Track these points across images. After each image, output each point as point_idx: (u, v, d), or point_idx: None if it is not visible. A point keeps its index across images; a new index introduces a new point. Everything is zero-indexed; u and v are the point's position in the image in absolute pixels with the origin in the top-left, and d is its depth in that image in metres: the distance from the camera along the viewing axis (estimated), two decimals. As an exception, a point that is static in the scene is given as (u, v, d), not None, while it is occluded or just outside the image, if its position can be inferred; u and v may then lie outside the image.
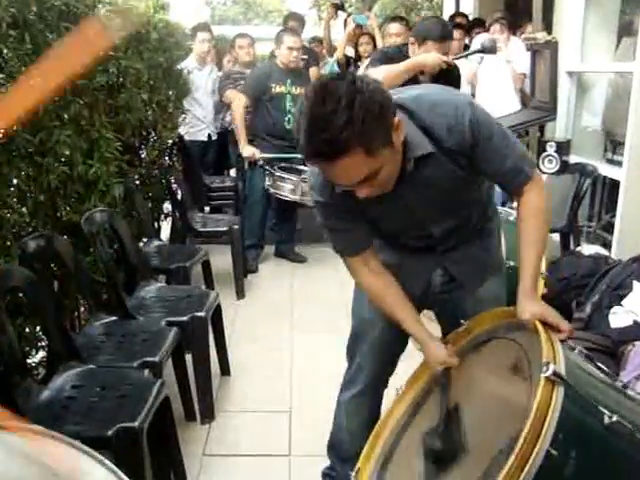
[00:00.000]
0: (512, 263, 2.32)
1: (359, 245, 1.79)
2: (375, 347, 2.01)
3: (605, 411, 1.24)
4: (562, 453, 1.17)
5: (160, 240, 4.00)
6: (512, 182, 1.66)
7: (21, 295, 2.14)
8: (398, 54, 3.18)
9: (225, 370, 3.15)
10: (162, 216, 4.58)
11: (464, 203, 1.79)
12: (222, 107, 5.35)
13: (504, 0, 7.08)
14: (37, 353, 2.37)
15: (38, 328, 2.29)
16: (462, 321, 1.76)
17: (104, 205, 2.80)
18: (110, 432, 1.79)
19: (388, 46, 4.00)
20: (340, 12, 6.24)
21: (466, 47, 5.05)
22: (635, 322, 2.78)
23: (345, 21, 5.96)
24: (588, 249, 3.69)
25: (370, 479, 1.67)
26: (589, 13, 4.52)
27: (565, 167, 4.49)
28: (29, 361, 2.32)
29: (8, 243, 2.15)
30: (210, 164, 5.59)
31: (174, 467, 2.27)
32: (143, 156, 3.97)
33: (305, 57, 5.29)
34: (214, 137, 5.44)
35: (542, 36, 4.71)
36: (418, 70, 3.09)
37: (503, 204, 3.93)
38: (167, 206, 4.63)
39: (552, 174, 4.48)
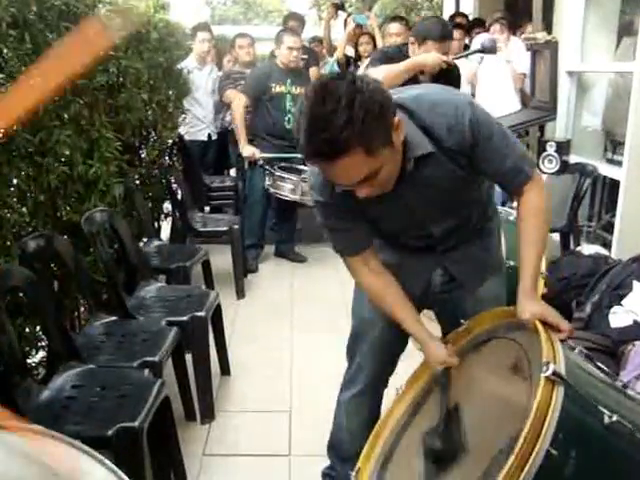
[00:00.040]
0: (512, 263, 2.32)
1: (359, 245, 1.79)
2: (375, 347, 2.02)
3: (605, 411, 1.24)
4: (562, 453, 1.17)
5: (160, 240, 4.00)
6: (512, 182, 1.66)
7: (21, 295, 2.14)
8: (398, 54, 3.18)
9: (225, 370, 3.15)
10: (162, 216, 4.58)
11: (464, 203, 1.79)
12: (222, 107, 5.35)
13: (504, 0, 7.08)
14: (37, 353, 2.37)
15: (38, 328, 2.29)
16: (462, 321, 1.76)
17: (104, 205, 2.80)
18: (110, 432, 1.79)
19: (388, 46, 4.00)
20: (340, 12, 6.24)
21: (466, 47, 5.05)
22: (635, 322, 2.78)
23: (345, 21, 5.96)
24: (588, 249, 3.69)
25: (370, 479, 1.67)
26: (589, 13, 4.52)
27: (565, 167, 4.49)
28: (29, 361, 2.32)
29: (8, 243, 2.15)
30: (210, 164, 5.59)
31: (174, 467, 2.27)
32: (143, 156, 3.97)
33: (305, 57, 5.29)
34: (214, 137, 5.44)
35: (542, 36, 4.72)
36: (418, 70, 3.09)
37: (503, 204, 3.93)
38: (167, 206, 4.63)
39: (552, 174, 4.48)
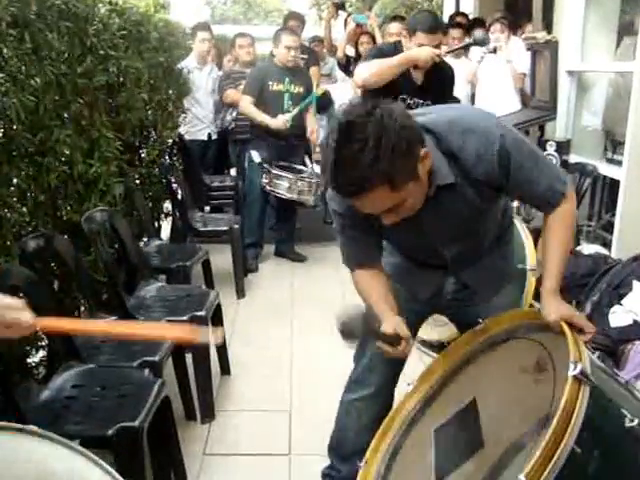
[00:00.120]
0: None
1: (369, 258, 1.81)
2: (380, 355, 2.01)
3: (627, 414, 1.26)
4: (586, 451, 1.19)
5: (160, 239, 4.01)
6: (547, 203, 1.67)
7: (21, 294, 2.14)
8: (393, 51, 3.20)
9: (225, 369, 3.15)
10: (162, 215, 4.59)
11: (480, 230, 1.80)
12: (222, 106, 5.35)
13: (504, 0, 7.07)
14: (37, 353, 2.36)
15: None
16: (480, 320, 1.77)
17: (104, 204, 2.80)
18: (110, 432, 1.79)
19: (384, 43, 4.02)
20: (340, 12, 6.23)
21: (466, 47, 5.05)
22: (635, 321, 2.78)
23: (345, 21, 5.96)
24: (588, 248, 3.69)
25: (378, 471, 1.68)
26: (589, 13, 4.52)
27: (565, 166, 4.49)
28: (29, 361, 2.32)
29: (8, 242, 2.15)
30: (210, 163, 5.59)
31: (174, 466, 2.27)
32: (143, 155, 3.97)
33: (305, 57, 5.29)
34: (214, 136, 5.43)
35: (542, 36, 4.72)
36: (411, 64, 3.10)
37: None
38: (167, 205, 4.63)
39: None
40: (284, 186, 4.52)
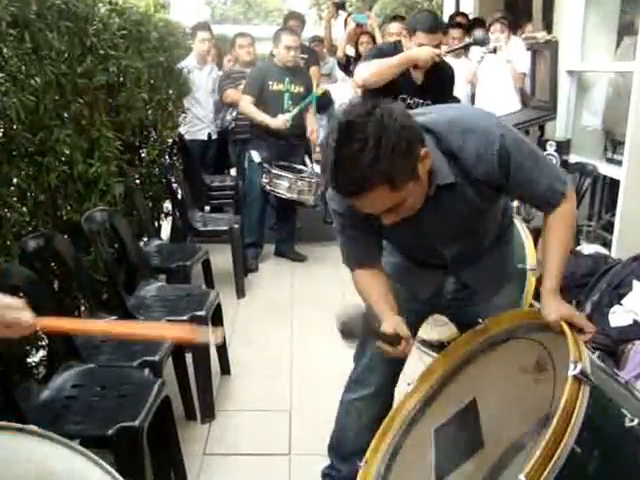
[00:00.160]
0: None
1: (369, 258, 1.81)
2: (380, 354, 2.01)
3: (627, 414, 1.26)
4: (585, 451, 1.19)
5: (160, 239, 4.01)
6: (547, 203, 1.68)
7: (21, 294, 2.14)
8: (393, 50, 3.20)
9: (225, 369, 3.15)
10: (162, 215, 4.58)
11: (480, 230, 1.81)
12: (222, 106, 5.35)
13: (504, 0, 7.08)
14: (37, 352, 2.36)
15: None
16: (479, 320, 1.77)
17: (104, 204, 2.80)
18: (110, 431, 1.79)
19: (384, 43, 4.02)
20: (341, 11, 6.24)
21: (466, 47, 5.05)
22: (635, 321, 2.78)
23: (345, 20, 5.96)
24: (588, 248, 3.69)
25: (378, 471, 1.68)
26: (589, 12, 4.52)
27: (565, 166, 4.49)
28: (29, 360, 2.32)
29: (8, 242, 2.15)
30: (210, 163, 5.59)
31: (174, 466, 2.27)
32: (143, 155, 3.97)
33: (305, 56, 5.29)
34: (214, 136, 5.43)
35: (542, 36, 4.72)
36: (411, 64, 3.10)
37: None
38: (167, 205, 4.63)
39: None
40: (284, 186, 4.52)
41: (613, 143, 4.57)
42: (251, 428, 2.72)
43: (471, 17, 6.27)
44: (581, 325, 1.53)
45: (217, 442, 2.62)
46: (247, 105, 4.61)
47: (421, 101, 3.23)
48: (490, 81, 4.99)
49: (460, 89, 4.74)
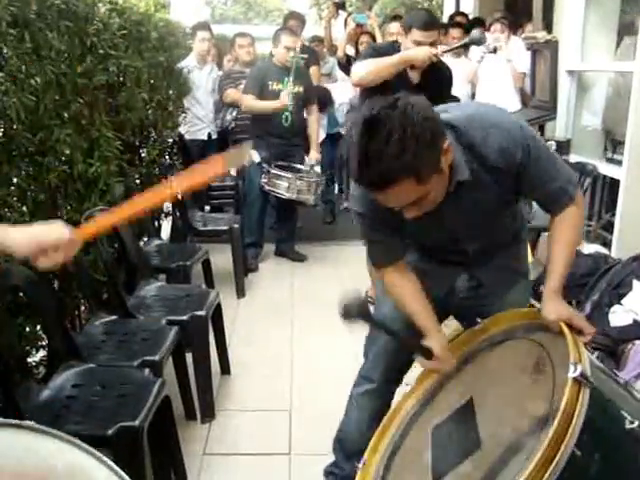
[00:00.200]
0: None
1: (393, 256, 1.82)
2: (392, 346, 2.01)
3: (627, 416, 1.26)
4: (586, 454, 1.19)
5: (160, 239, 4.01)
6: (555, 203, 1.69)
7: (21, 294, 2.14)
8: (390, 50, 3.20)
9: (225, 369, 3.15)
10: (162, 215, 4.58)
11: (500, 223, 1.82)
12: (222, 106, 5.35)
13: (504, 0, 7.08)
14: (37, 352, 2.36)
15: (38, 327, 2.29)
16: (478, 320, 1.78)
17: (104, 204, 2.80)
18: (110, 431, 1.79)
19: (381, 42, 4.02)
20: (341, 11, 6.24)
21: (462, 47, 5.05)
22: (635, 321, 2.78)
23: (345, 20, 5.97)
24: (588, 248, 3.69)
25: (377, 471, 1.68)
26: (589, 12, 4.53)
27: (565, 166, 4.49)
28: (29, 360, 2.32)
29: (8, 242, 2.15)
30: (210, 163, 5.58)
31: (174, 466, 2.27)
32: (143, 155, 3.97)
33: (305, 56, 5.29)
34: (214, 136, 5.43)
35: (542, 35, 4.72)
36: (408, 64, 3.10)
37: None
38: (167, 205, 4.63)
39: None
40: (283, 186, 4.52)
41: (613, 143, 4.57)
42: (251, 428, 2.72)
43: (471, 17, 6.27)
44: (581, 326, 1.53)
45: (217, 442, 2.62)
46: (250, 101, 4.62)
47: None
48: (490, 81, 4.99)
49: (460, 89, 4.75)
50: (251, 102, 4.62)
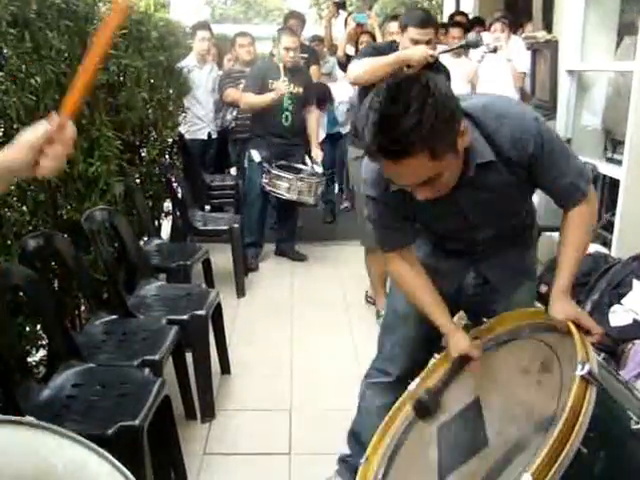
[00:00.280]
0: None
1: (402, 242, 1.82)
2: (407, 342, 2.02)
3: (633, 416, 1.27)
4: (591, 452, 1.19)
5: (160, 239, 4.01)
6: (568, 198, 1.68)
7: (21, 294, 2.14)
8: (388, 49, 3.21)
9: (225, 369, 3.15)
10: (162, 215, 4.59)
11: (514, 212, 1.83)
12: (222, 106, 5.35)
13: (504, -1, 7.08)
14: (37, 352, 2.37)
15: (38, 327, 2.29)
16: (484, 319, 1.78)
17: (104, 203, 2.80)
18: (110, 431, 1.79)
19: (379, 42, 4.03)
20: (341, 11, 6.24)
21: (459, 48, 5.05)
22: (635, 321, 2.78)
23: (346, 20, 5.97)
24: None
25: (378, 468, 1.68)
26: (589, 12, 4.52)
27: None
28: (29, 360, 2.32)
29: (8, 242, 2.15)
30: (210, 163, 5.59)
31: (174, 466, 2.27)
32: (143, 155, 3.97)
33: (305, 56, 5.29)
34: (214, 136, 5.44)
35: (542, 35, 4.72)
36: (404, 64, 3.11)
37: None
38: (167, 205, 4.63)
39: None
40: (284, 186, 4.52)
41: (613, 143, 4.57)
42: (251, 428, 2.72)
43: (471, 16, 6.27)
44: (588, 326, 1.53)
45: (217, 442, 2.62)
46: (249, 98, 4.62)
47: None
48: (490, 80, 4.98)
49: (460, 88, 4.74)
50: (249, 98, 4.62)
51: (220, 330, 3.08)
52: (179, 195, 4.47)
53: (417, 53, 3.06)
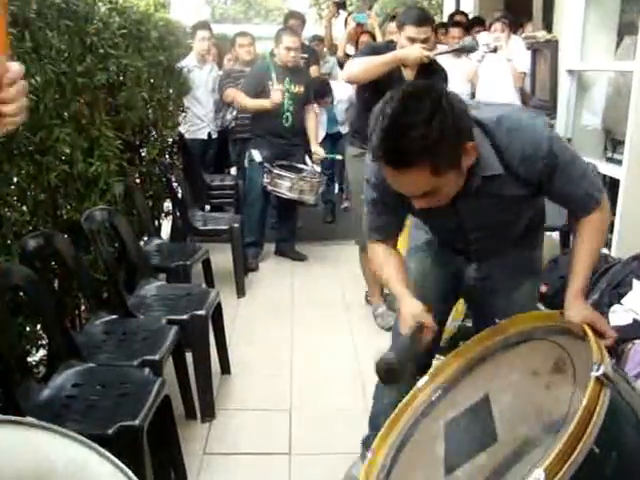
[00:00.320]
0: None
1: (389, 232, 1.86)
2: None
3: None
4: (604, 452, 1.20)
5: (160, 238, 4.01)
6: (582, 208, 1.69)
7: (21, 294, 2.14)
8: (385, 49, 3.22)
9: (225, 368, 3.15)
10: (162, 214, 4.59)
11: (515, 222, 1.83)
12: (222, 105, 5.35)
13: (504, -1, 7.07)
14: (37, 352, 2.37)
15: (38, 326, 2.29)
16: (496, 320, 1.78)
17: (104, 203, 2.80)
18: (111, 431, 1.79)
19: (379, 41, 4.05)
20: (341, 10, 6.24)
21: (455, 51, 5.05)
22: (635, 320, 2.78)
23: (346, 20, 5.97)
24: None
25: (385, 460, 1.68)
26: (589, 12, 4.52)
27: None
28: (29, 360, 2.32)
29: (8, 241, 2.15)
30: (210, 162, 5.59)
31: (174, 465, 2.27)
32: (143, 154, 3.97)
33: (306, 56, 5.29)
34: (214, 135, 5.43)
35: (542, 35, 4.72)
36: (399, 63, 3.12)
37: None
38: (167, 204, 4.64)
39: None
40: (286, 186, 4.52)
41: (613, 142, 4.57)
42: (251, 427, 2.72)
43: (471, 16, 6.28)
44: (603, 330, 1.55)
45: (217, 441, 2.62)
46: (245, 100, 4.63)
47: None
48: (490, 80, 4.99)
49: (460, 88, 4.74)
50: (244, 100, 4.63)
51: (220, 330, 3.08)
52: (179, 195, 4.47)
53: (413, 53, 3.06)
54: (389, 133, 1.42)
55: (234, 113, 5.22)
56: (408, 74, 3.24)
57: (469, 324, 2.53)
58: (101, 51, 2.88)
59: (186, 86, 4.92)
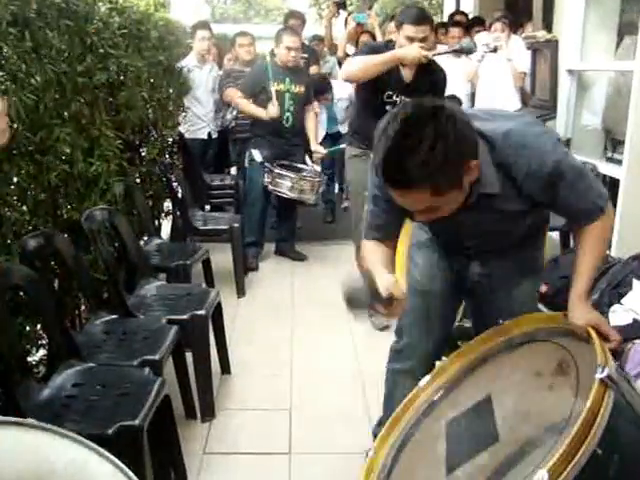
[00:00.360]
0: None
1: (387, 236, 1.86)
2: (422, 323, 2.06)
3: None
4: (607, 454, 1.20)
5: (161, 238, 4.00)
6: (588, 217, 1.69)
7: (21, 293, 2.14)
8: (383, 49, 3.22)
9: (225, 368, 3.15)
10: (163, 214, 4.59)
11: (515, 230, 1.84)
12: (222, 105, 5.36)
13: (504, -1, 7.07)
14: (37, 351, 2.37)
15: (38, 326, 2.29)
16: (500, 321, 1.79)
17: (104, 203, 2.80)
18: (111, 430, 1.79)
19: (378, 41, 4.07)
20: (341, 10, 6.24)
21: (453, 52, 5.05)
22: (635, 320, 2.78)
23: (346, 20, 5.97)
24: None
25: (385, 460, 1.68)
26: (589, 12, 4.52)
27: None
28: (29, 359, 2.32)
29: (8, 241, 2.15)
30: (210, 162, 5.59)
31: (174, 465, 2.27)
32: (143, 154, 3.97)
33: (306, 56, 5.29)
34: (214, 135, 5.43)
35: (542, 35, 4.72)
36: (397, 62, 3.12)
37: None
38: (167, 204, 4.63)
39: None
40: (287, 185, 4.52)
41: (613, 142, 4.57)
42: (251, 427, 2.72)
43: (471, 16, 6.27)
44: (607, 333, 1.55)
45: (217, 441, 2.62)
46: (242, 103, 4.64)
47: (408, 100, 3.25)
48: (490, 80, 4.99)
49: (460, 88, 4.75)
50: (241, 103, 4.65)
51: (220, 330, 3.08)
52: (179, 195, 4.47)
53: (411, 52, 3.07)
54: (390, 155, 1.42)
55: (234, 113, 5.22)
56: (407, 74, 3.25)
57: (467, 324, 2.53)
58: (101, 51, 2.88)
59: (186, 86, 4.92)
